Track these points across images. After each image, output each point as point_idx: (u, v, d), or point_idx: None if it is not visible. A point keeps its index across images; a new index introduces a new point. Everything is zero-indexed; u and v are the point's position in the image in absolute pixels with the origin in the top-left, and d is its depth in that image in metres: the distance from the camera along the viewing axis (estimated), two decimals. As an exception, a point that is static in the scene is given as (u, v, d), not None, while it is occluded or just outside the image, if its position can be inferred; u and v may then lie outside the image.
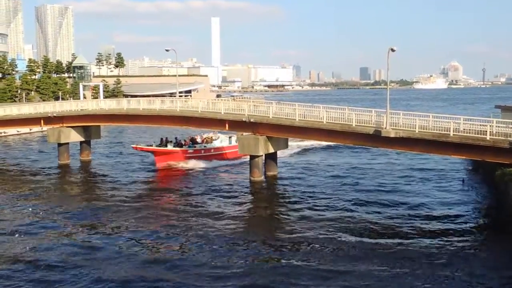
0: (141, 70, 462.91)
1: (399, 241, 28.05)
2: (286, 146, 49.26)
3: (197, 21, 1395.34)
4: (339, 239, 28.32)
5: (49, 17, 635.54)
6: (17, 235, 29.37)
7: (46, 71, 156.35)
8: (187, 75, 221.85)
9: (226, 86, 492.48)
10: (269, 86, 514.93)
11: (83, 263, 24.82)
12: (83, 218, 33.24)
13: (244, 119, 43.90)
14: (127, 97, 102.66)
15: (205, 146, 55.66)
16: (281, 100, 56.94)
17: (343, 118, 39.42)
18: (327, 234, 29.07)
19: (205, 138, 57.54)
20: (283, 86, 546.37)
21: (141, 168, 53.08)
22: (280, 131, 43.86)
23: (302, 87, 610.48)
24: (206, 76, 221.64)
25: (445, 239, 28.33)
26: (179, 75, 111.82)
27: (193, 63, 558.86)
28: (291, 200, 38.06)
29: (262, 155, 44.57)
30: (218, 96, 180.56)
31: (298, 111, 41.80)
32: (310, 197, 38.54)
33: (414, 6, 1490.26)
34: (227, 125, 46.24)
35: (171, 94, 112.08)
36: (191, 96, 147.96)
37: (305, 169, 50.58)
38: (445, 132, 34.55)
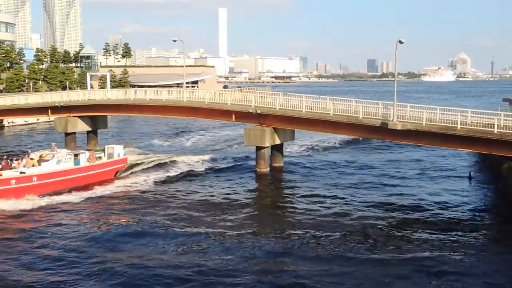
0: (148, 60, 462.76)
1: (404, 234, 28.07)
2: (293, 138, 49.23)
3: (205, 12, 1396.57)
4: (343, 232, 28.36)
5: (56, 7, 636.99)
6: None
7: (54, 61, 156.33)
8: (194, 66, 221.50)
9: (233, 77, 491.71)
10: (276, 78, 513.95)
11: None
12: (88, 209, 33.55)
13: (250, 110, 43.92)
14: (134, 87, 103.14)
15: (22, 173, 35.00)
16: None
17: (350, 110, 39.38)
18: (332, 228, 29.08)
19: (28, 159, 36.38)
20: (290, 77, 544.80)
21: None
22: (286, 123, 43.84)
23: (309, 79, 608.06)
24: (213, 67, 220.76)
25: (451, 232, 28.28)
26: (186, 66, 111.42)
27: (200, 53, 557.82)
28: (296, 192, 38.00)
29: (268, 147, 44.57)
30: (225, 87, 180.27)
31: (305, 103, 41.77)
32: (315, 189, 38.53)
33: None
34: (233, 116, 46.29)
35: (178, 85, 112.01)
36: (197, 86, 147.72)
37: (311, 161, 50.48)
38: (453, 125, 34.43)
